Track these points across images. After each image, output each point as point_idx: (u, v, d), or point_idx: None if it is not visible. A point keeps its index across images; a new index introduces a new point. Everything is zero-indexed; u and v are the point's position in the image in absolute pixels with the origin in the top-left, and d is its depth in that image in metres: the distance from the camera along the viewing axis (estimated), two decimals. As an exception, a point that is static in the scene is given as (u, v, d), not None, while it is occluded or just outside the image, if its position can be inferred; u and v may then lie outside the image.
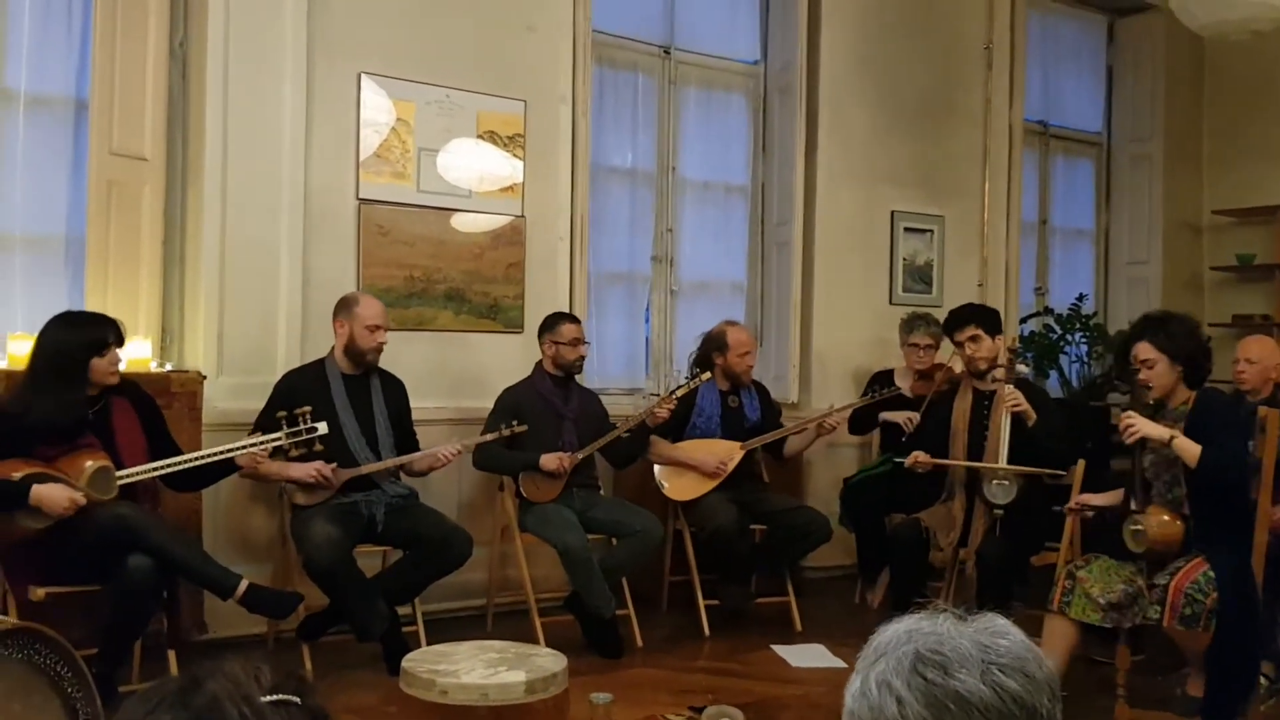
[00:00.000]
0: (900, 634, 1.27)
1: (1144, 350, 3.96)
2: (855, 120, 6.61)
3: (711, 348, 5.36)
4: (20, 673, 2.33)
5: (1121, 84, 8.16)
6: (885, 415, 5.64)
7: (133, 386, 4.05)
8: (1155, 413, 3.94)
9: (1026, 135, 7.45)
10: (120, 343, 3.90)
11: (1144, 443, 3.89)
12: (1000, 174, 7.16)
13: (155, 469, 3.89)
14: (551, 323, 5.07)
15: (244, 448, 4.05)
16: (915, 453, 4.83)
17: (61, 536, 3.66)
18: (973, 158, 7.08)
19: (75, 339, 3.80)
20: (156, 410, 4.12)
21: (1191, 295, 7.93)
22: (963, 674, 1.21)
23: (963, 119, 7.04)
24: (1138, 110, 8.07)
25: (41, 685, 2.37)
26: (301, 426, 4.11)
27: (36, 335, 3.85)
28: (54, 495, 3.61)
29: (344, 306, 4.57)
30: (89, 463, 3.74)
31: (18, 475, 3.64)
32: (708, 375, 5.18)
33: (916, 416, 5.45)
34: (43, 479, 3.64)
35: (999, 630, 1.26)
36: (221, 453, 4.01)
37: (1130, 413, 3.89)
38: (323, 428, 4.15)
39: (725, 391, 5.36)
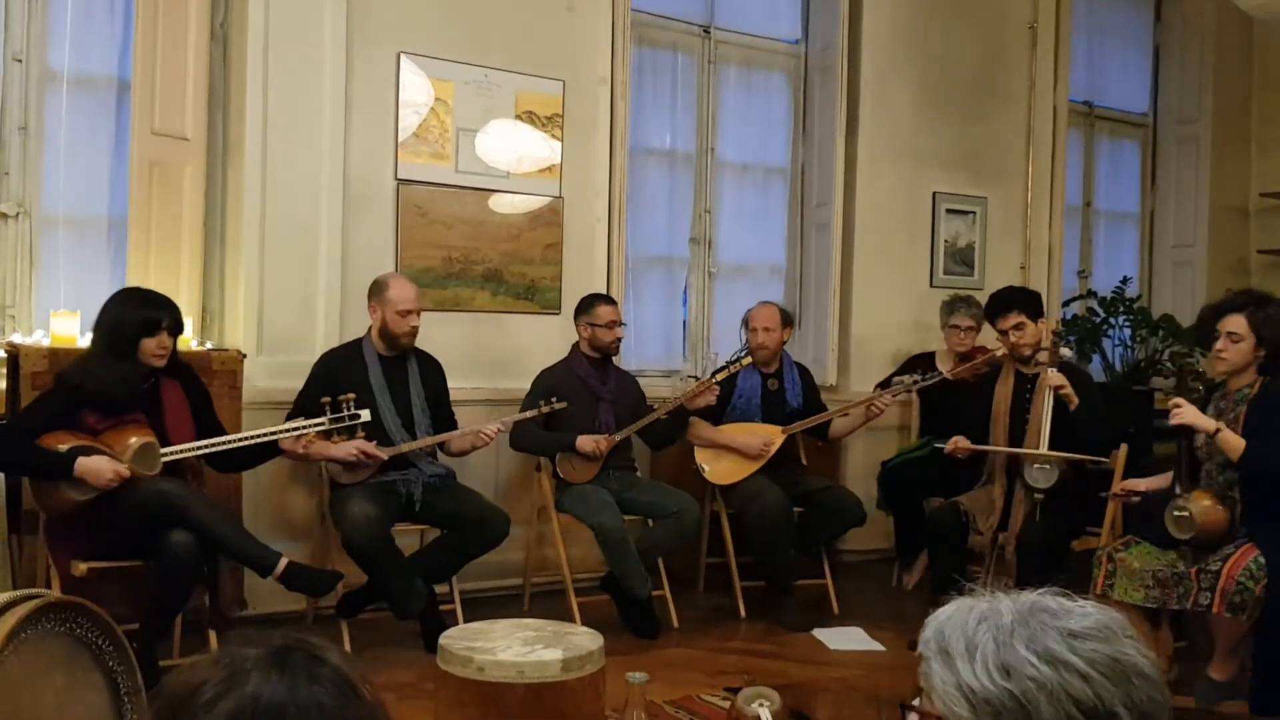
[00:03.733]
0: (1017, 606, 1.20)
1: (1237, 324, 3.84)
2: (897, 101, 6.54)
3: (743, 327, 5.37)
4: (63, 645, 2.35)
5: (1169, 64, 8.02)
6: (895, 379, 5.48)
7: (185, 369, 4.11)
8: (1210, 394, 3.87)
9: (1071, 116, 7.35)
10: (175, 329, 3.94)
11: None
12: (1044, 155, 7.07)
13: (199, 448, 3.92)
14: (588, 304, 5.06)
15: (288, 432, 4.09)
16: (956, 438, 4.79)
17: (104, 511, 3.71)
18: (1016, 139, 7.00)
19: (130, 316, 3.86)
20: (205, 393, 4.17)
21: (1238, 279, 7.78)
22: (1129, 645, 1.17)
23: (1006, 99, 6.95)
24: (1185, 91, 7.93)
25: (83, 658, 2.39)
26: (345, 413, 4.14)
27: (103, 305, 3.94)
28: (98, 467, 3.66)
29: (376, 290, 4.59)
30: (134, 438, 3.79)
31: (64, 447, 3.70)
32: (749, 360, 5.15)
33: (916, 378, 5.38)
34: (88, 451, 3.69)
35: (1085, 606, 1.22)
36: (266, 435, 4.05)
37: (1179, 399, 3.82)
38: (366, 415, 4.17)
39: (766, 374, 5.33)
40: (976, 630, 1.19)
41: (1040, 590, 1.24)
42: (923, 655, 1.24)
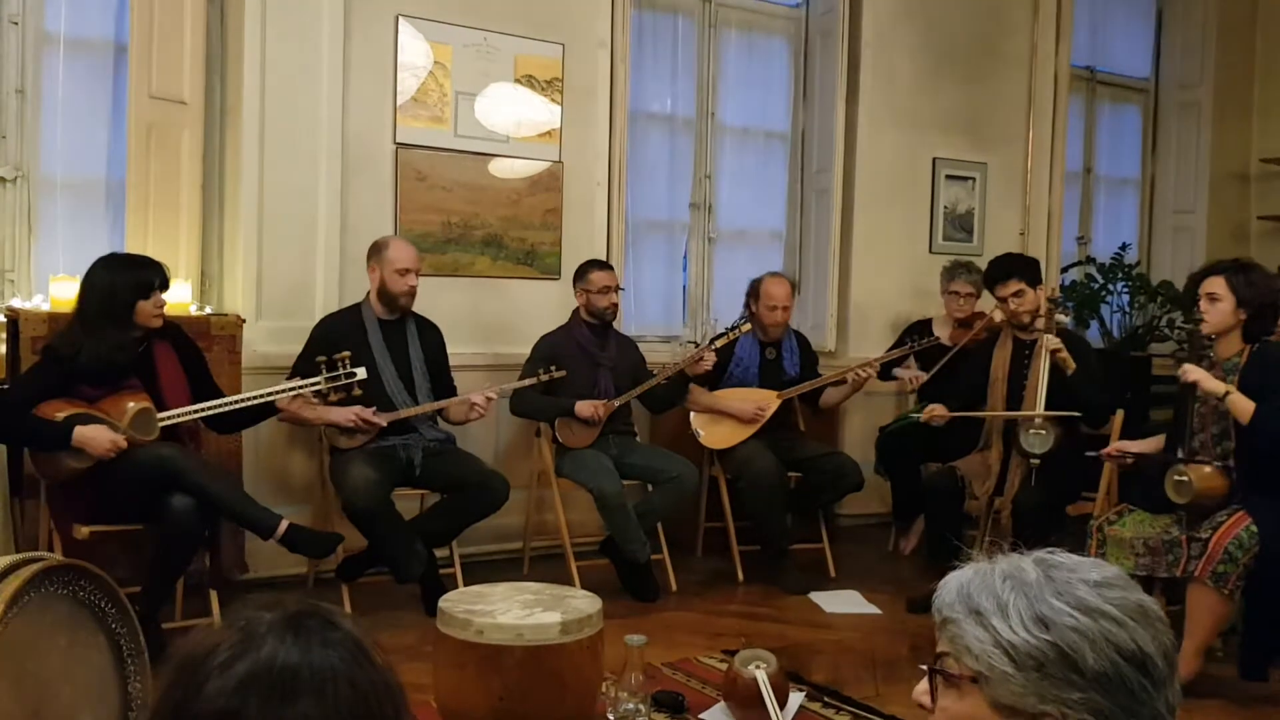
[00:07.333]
0: (1034, 562, 1.23)
1: (1215, 285, 3.85)
2: (898, 65, 6.51)
3: (750, 295, 5.35)
4: (66, 608, 2.37)
5: (1171, 29, 7.96)
6: (896, 370, 5.48)
7: (175, 329, 4.10)
8: (1201, 364, 3.88)
9: (1073, 81, 7.31)
10: (165, 286, 3.94)
11: (1195, 391, 3.83)
12: (1045, 121, 7.04)
13: (196, 411, 3.93)
14: (583, 271, 5.07)
15: (283, 392, 4.10)
16: (931, 406, 4.82)
17: (105, 476, 3.72)
18: (1017, 104, 6.97)
19: (122, 281, 3.84)
20: (199, 353, 4.16)
21: (1238, 245, 7.77)
22: (1136, 591, 1.21)
23: (1008, 64, 6.91)
24: (1187, 56, 7.88)
25: (86, 620, 2.42)
26: (340, 371, 4.14)
27: (84, 276, 3.90)
28: (96, 437, 3.66)
29: (375, 251, 4.59)
30: (131, 404, 3.79)
31: (61, 416, 3.70)
32: (748, 327, 5.15)
33: (923, 376, 5.40)
34: (85, 419, 3.70)
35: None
36: (261, 396, 4.05)
37: (1188, 365, 3.84)
38: (361, 373, 4.17)
39: (764, 343, 5.34)
40: (1003, 588, 1.21)
41: (1045, 549, 1.27)
42: (946, 619, 1.25)
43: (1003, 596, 1.20)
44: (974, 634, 1.20)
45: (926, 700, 1.28)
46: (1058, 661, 1.16)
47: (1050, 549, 1.27)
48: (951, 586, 1.26)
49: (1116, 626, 1.16)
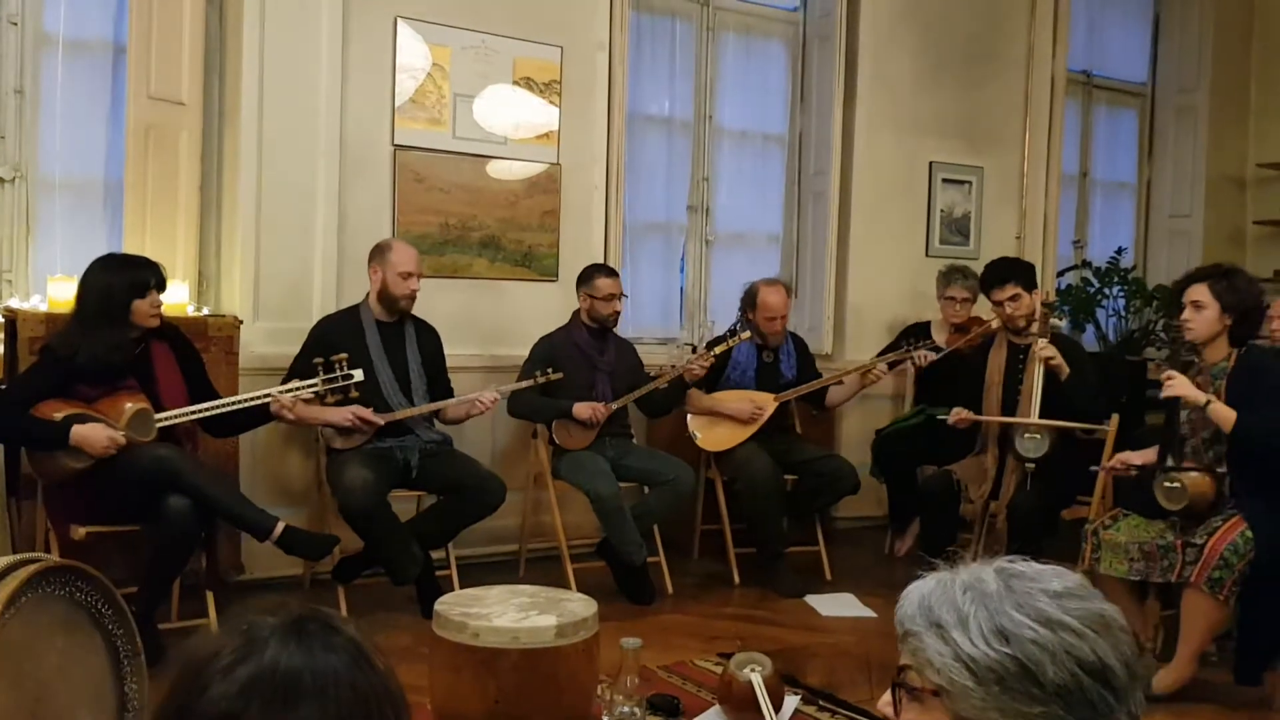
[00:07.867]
0: (995, 573, 1.22)
1: (1199, 292, 3.84)
2: (895, 69, 6.52)
3: (745, 302, 5.35)
4: (62, 609, 2.37)
5: (1168, 33, 7.98)
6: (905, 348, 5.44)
7: (173, 330, 4.10)
8: (1188, 368, 3.89)
9: (1069, 85, 7.32)
10: (162, 286, 3.95)
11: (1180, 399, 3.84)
12: (1041, 125, 7.05)
13: (194, 412, 3.94)
14: (588, 275, 5.06)
15: (281, 394, 4.10)
16: (957, 409, 4.82)
17: (102, 477, 3.73)
18: (1014, 108, 6.98)
19: (118, 280, 3.84)
20: (196, 354, 4.17)
21: (1234, 249, 7.80)
22: (1098, 600, 1.20)
23: (1005, 68, 6.92)
24: (1184, 60, 7.89)
25: (83, 621, 2.42)
26: (338, 373, 4.14)
27: (81, 276, 3.91)
28: (94, 435, 3.67)
29: (378, 252, 4.59)
30: (128, 404, 3.80)
31: (59, 416, 3.71)
32: (748, 335, 5.14)
33: (932, 355, 5.36)
34: (83, 419, 3.70)
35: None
36: (259, 398, 4.06)
37: (1172, 371, 3.85)
38: (358, 374, 4.18)
39: (761, 346, 5.34)
40: (963, 600, 1.20)
41: (1006, 557, 1.26)
42: (908, 631, 1.24)
43: (963, 609, 1.19)
44: (935, 648, 1.20)
45: (890, 712, 1.28)
46: (1018, 675, 1.15)
47: (1011, 557, 1.26)
48: (913, 598, 1.26)
49: (1076, 638, 1.16)
